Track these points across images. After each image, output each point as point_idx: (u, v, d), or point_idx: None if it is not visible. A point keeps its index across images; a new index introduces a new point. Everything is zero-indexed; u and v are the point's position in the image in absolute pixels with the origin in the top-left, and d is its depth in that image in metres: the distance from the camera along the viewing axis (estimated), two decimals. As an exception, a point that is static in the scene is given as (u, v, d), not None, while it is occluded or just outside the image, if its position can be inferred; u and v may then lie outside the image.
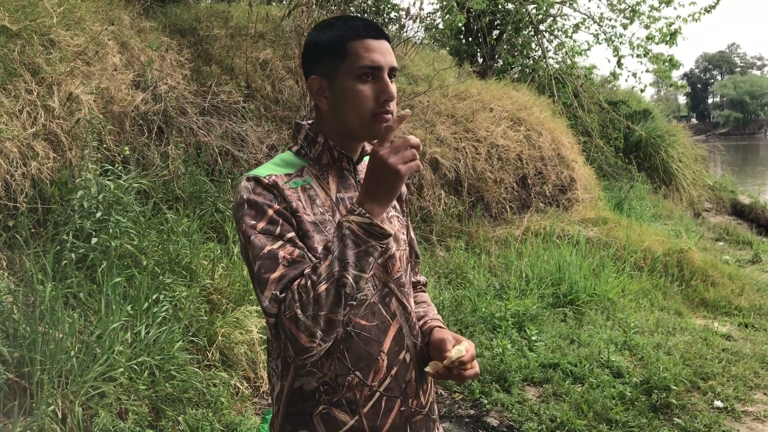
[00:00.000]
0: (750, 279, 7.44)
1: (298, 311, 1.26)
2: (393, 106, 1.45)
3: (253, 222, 1.36)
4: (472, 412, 3.99)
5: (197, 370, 3.46)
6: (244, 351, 3.74)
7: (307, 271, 1.30)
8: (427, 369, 1.47)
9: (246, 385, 3.65)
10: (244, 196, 1.38)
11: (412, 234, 1.71)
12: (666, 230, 8.60)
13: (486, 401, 4.03)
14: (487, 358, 4.46)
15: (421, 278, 1.79)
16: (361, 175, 1.55)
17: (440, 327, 1.60)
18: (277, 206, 1.37)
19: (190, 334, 3.64)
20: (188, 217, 4.40)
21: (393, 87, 1.44)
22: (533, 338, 4.77)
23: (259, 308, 3.84)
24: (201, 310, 3.82)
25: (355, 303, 1.32)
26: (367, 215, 1.28)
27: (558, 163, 8.21)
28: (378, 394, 1.43)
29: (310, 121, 1.53)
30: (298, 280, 1.30)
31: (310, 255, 1.36)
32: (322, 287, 1.25)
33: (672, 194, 12.04)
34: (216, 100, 5.58)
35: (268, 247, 1.34)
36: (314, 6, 6.28)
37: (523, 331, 4.93)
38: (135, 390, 3.13)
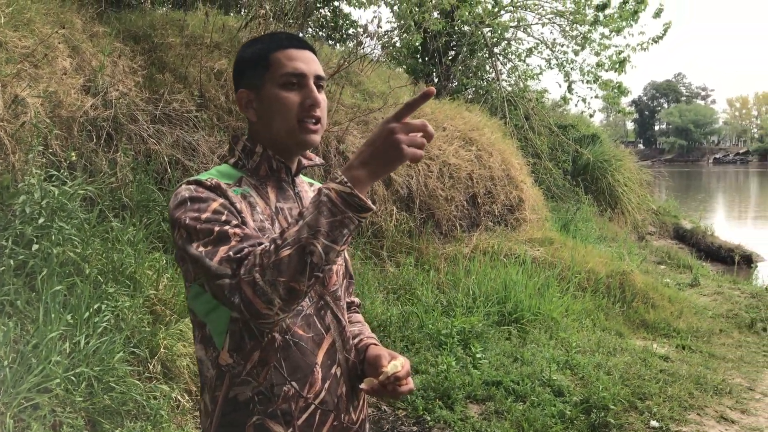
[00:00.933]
0: (689, 302, 7.68)
1: (257, 275, 1.21)
2: (322, 113, 1.47)
3: (197, 214, 1.33)
4: (415, 428, 4.01)
5: (137, 382, 3.40)
6: (187, 364, 3.68)
7: (273, 236, 1.26)
8: (362, 386, 1.47)
9: (187, 398, 3.60)
10: (186, 195, 1.37)
11: (347, 254, 1.71)
12: (610, 252, 8.82)
13: (429, 418, 4.05)
14: (431, 374, 4.49)
15: (356, 299, 1.80)
16: (300, 187, 1.57)
17: (375, 344, 1.62)
18: (221, 200, 1.36)
19: (132, 345, 3.57)
20: (134, 226, 4.32)
21: (322, 95, 1.47)
22: (478, 356, 4.83)
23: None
24: (144, 321, 3.75)
25: (322, 275, 1.24)
26: (348, 184, 1.22)
27: (507, 184, 8.36)
28: (313, 406, 1.43)
29: (246, 137, 1.54)
30: (263, 246, 1.25)
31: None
32: (286, 252, 1.20)
33: (617, 217, 12.37)
34: (168, 109, 5.51)
35: (217, 229, 1.30)
36: (271, 18, 6.29)
37: (468, 348, 4.98)
38: (71, 402, 3.06)
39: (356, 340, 1.62)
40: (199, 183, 1.39)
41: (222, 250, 1.26)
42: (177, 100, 5.63)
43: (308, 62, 1.47)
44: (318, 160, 1.62)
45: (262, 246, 1.24)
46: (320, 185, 1.68)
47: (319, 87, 1.48)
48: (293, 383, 1.40)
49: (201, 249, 1.28)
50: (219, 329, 1.41)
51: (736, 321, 7.26)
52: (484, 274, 6.38)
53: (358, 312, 1.79)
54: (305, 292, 1.24)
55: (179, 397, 3.55)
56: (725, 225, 19.24)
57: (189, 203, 1.35)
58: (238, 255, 1.25)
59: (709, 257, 12.58)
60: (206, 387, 1.46)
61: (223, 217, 1.33)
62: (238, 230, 1.31)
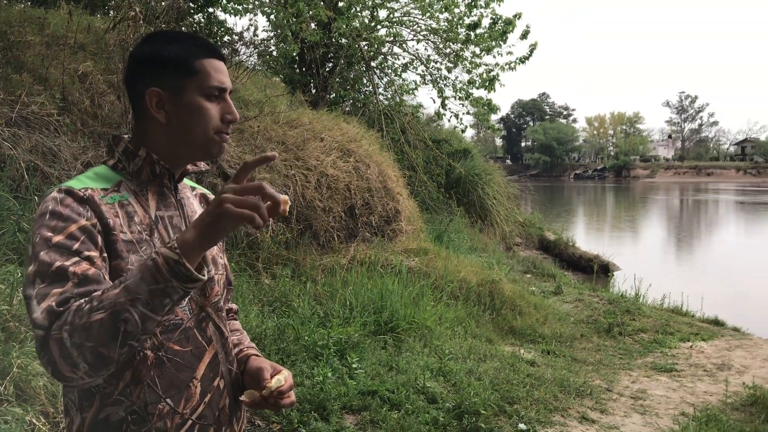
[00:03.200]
0: (553, 309, 8.11)
1: (65, 335, 1.13)
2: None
3: (49, 234, 1.23)
4: (290, 441, 3.95)
5: (-14, 405, 3.12)
6: (44, 384, 3.43)
7: (96, 293, 1.18)
8: (243, 398, 1.46)
9: (43, 421, 3.35)
10: (49, 207, 1.27)
11: (226, 260, 1.67)
12: (480, 262, 9.16)
13: (304, 430, 4.00)
14: (307, 387, 4.45)
15: (234, 306, 1.76)
16: (182, 194, 1.52)
17: (256, 355, 1.60)
18: (84, 222, 1.27)
19: (-20, 366, 3.28)
20: (-15, 237, 3.99)
21: None
22: (354, 366, 4.84)
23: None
24: (-5, 340, 3.46)
25: (137, 344, 1.18)
26: (178, 250, 1.15)
27: (384, 195, 8.48)
28: (190, 422, 1.38)
29: (128, 135, 1.46)
30: (80, 302, 1.16)
31: (107, 278, 1.26)
32: (98, 316, 1.12)
33: (487, 228, 12.88)
34: (26, 111, 5.14)
35: (58, 263, 1.21)
36: (142, 21, 6.03)
37: (344, 359, 4.98)
38: None
39: (236, 351, 1.59)
40: (70, 192, 1.30)
41: (51, 297, 1.17)
42: (36, 103, 5.27)
43: (227, 75, 1.46)
44: (204, 166, 1.57)
45: (79, 303, 1.16)
46: (203, 190, 1.64)
47: None
48: (168, 400, 1.35)
49: (36, 286, 1.19)
50: None
51: (595, 326, 7.75)
52: (361, 284, 6.42)
53: (236, 319, 1.76)
54: (117, 360, 1.17)
55: (34, 420, 3.29)
56: (585, 236, 20.54)
57: (48, 217, 1.26)
58: (60, 308, 1.16)
59: (571, 267, 13.39)
60: (72, 407, 1.36)
61: (75, 245, 1.24)
62: (81, 267, 1.22)
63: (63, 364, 1.14)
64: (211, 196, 1.66)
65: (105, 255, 1.29)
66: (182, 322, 1.38)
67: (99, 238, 1.29)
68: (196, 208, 1.54)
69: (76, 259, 1.23)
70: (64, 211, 1.27)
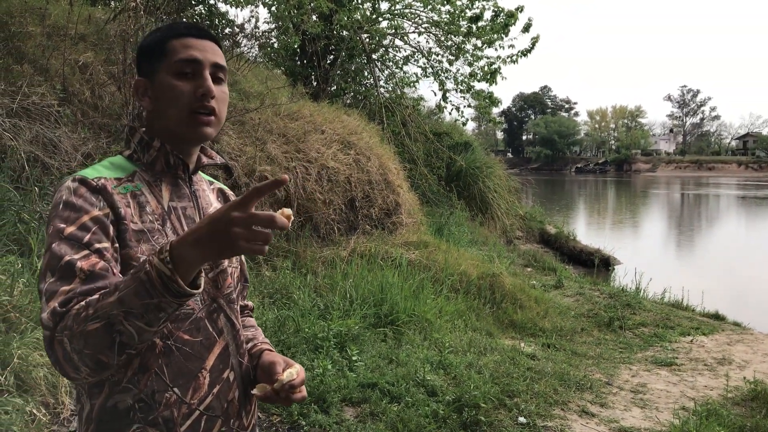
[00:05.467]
0: (553, 303, 8.11)
1: (66, 340, 1.15)
2: (217, 104, 1.43)
3: (62, 225, 1.25)
4: (290, 433, 3.96)
5: (-14, 396, 3.12)
6: (44, 374, 3.43)
7: (94, 297, 1.17)
8: (255, 391, 1.45)
9: (44, 411, 3.35)
10: (63, 197, 1.30)
11: (243, 257, 1.65)
12: (481, 255, 9.14)
13: (304, 423, 4.01)
14: (307, 379, 4.45)
15: (249, 303, 1.76)
16: (197, 186, 1.52)
17: (270, 350, 1.59)
18: (96, 212, 1.29)
19: (-20, 356, 3.28)
20: (-15, 228, 3.99)
21: (221, 87, 1.44)
22: (354, 358, 4.84)
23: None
24: (-5, 330, 3.46)
25: (135, 352, 1.19)
26: (170, 265, 1.10)
27: (384, 188, 8.47)
28: (197, 412, 1.38)
29: (144, 128, 1.48)
30: (79, 306, 1.16)
31: (116, 271, 1.27)
32: (93, 326, 1.13)
33: (488, 222, 12.86)
34: (27, 102, 5.14)
35: (68, 258, 1.23)
36: (142, 12, 6.01)
37: (344, 351, 4.98)
38: None
39: (249, 345, 1.59)
40: (83, 182, 1.32)
41: (58, 296, 1.19)
42: (37, 94, 5.27)
43: (205, 50, 1.43)
44: (219, 159, 1.56)
45: (79, 306, 1.16)
46: (220, 185, 1.64)
47: (219, 79, 1.44)
48: (175, 389, 1.35)
49: (47, 281, 1.22)
50: None
51: (596, 320, 7.75)
52: (361, 277, 6.41)
53: (251, 316, 1.75)
54: (117, 364, 1.19)
55: (35, 411, 3.30)
56: (586, 230, 20.53)
57: (61, 208, 1.28)
58: (63, 309, 1.17)
59: (572, 260, 13.36)
60: (83, 393, 1.37)
61: (86, 237, 1.25)
62: (90, 261, 1.23)
63: (66, 366, 1.17)
64: (229, 192, 1.66)
65: (117, 245, 1.31)
66: (193, 312, 1.38)
67: (111, 229, 1.30)
68: (212, 201, 1.55)
69: (85, 252, 1.24)
70: (77, 201, 1.29)
